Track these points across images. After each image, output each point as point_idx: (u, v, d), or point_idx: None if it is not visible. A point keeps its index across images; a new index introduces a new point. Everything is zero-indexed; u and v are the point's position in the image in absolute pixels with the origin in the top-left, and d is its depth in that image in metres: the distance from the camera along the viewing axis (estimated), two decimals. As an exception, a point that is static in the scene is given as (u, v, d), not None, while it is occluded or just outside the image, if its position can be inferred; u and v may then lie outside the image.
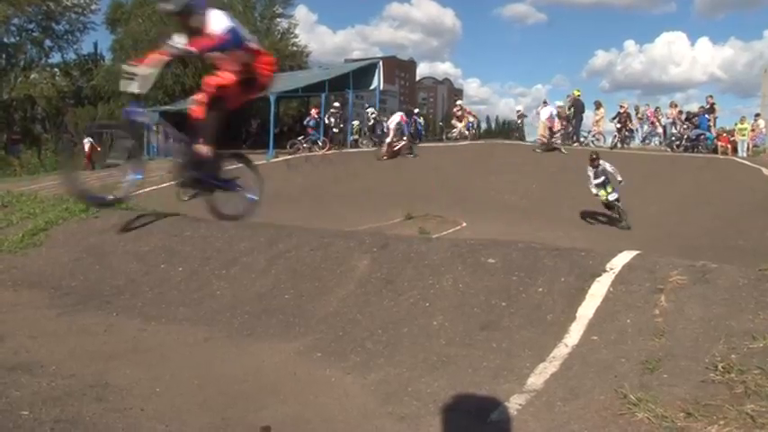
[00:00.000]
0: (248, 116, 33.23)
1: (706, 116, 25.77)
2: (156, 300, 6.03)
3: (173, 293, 6.13)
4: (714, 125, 26.27)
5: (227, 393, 4.03)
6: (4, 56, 47.05)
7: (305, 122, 25.55)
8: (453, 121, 30.18)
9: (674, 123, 27.13)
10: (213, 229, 7.35)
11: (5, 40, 46.83)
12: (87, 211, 8.41)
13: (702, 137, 25.23)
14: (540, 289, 5.18)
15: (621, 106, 26.87)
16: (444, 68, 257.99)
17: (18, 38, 47.30)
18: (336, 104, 27.57)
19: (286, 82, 32.18)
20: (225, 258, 6.58)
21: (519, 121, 30.75)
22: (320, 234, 6.90)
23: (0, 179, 28.62)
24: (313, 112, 26.08)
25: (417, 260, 5.90)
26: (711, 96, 27.00)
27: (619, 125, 26.51)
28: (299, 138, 25.20)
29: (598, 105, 28.39)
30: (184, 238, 7.25)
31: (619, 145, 26.00)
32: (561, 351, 4.36)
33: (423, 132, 29.72)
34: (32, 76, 48.04)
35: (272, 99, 26.99)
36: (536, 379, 4.06)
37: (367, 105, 28.54)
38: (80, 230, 8.06)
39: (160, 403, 3.87)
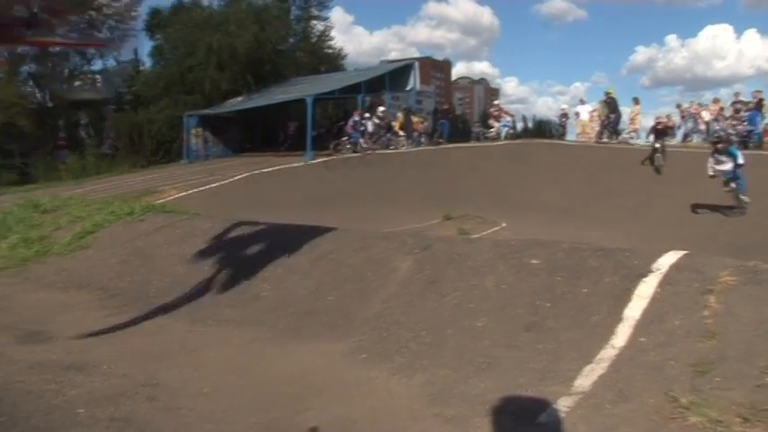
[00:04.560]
0: (286, 119, 33.47)
1: (757, 112, 25.00)
2: (201, 301, 6.12)
3: (217, 295, 6.22)
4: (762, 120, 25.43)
5: (274, 394, 4.06)
6: (49, 65, 48.18)
7: (349, 123, 25.51)
8: (490, 121, 29.92)
9: (716, 120, 26.46)
10: (257, 232, 7.43)
11: (50, 49, 47.94)
12: (132, 214, 8.57)
13: (750, 133, 24.49)
14: (585, 290, 5.11)
15: (658, 122, 24.88)
16: (482, 68, 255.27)
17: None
18: (382, 108, 27.58)
19: (322, 84, 32.29)
20: (269, 260, 6.64)
21: (563, 120, 30.20)
22: (362, 235, 6.92)
23: (47, 184, 29.23)
24: (355, 114, 26.07)
25: (460, 261, 5.88)
26: (760, 91, 26.17)
27: (653, 137, 24.87)
28: (343, 138, 25.24)
29: (635, 102, 27.76)
30: (227, 239, 7.34)
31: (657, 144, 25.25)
32: (608, 353, 4.29)
33: (444, 132, 29.51)
34: (76, 83, 49.08)
35: (309, 101, 27.02)
36: (583, 381, 4.00)
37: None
38: (126, 233, 8.22)
39: (209, 403, 3.91)
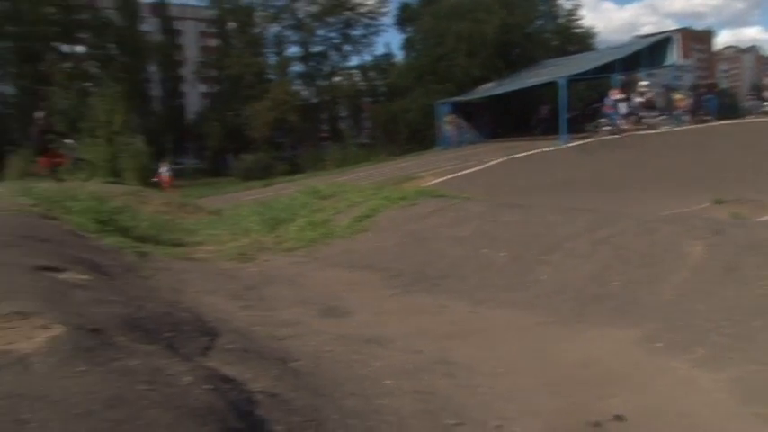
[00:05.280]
0: (537, 103, 33.11)
1: None
2: (480, 283, 6.21)
3: (496, 278, 6.27)
4: None
5: (569, 378, 3.99)
6: (312, 64, 52.63)
7: (607, 103, 24.51)
8: (766, 93, 26.88)
9: None
10: (530, 215, 7.40)
11: (311, 50, 52.40)
12: (405, 199, 8.97)
13: None
14: None
15: None
16: (751, 34, 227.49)
17: (323, 47, 52.64)
18: (645, 83, 26.20)
19: (574, 65, 31.32)
20: (545, 243, 6.57)
21: None
22: (644, 219, 6.59)
23: (314, 173, 31.86)
24: (613, 93, 24.97)
25: (761, 247, 5.35)
26: None
27: None
28: (600, 120, 24.40)
29: None
30: (502, 223, 7.39)
31: None
32: None
33: (711, 109, 26.95)
34: (336, 79, 53.11)
35: (563, 83, 26.32)
36: None
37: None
38: (401, 217, 8.63)
39: (506, 383, 3.95)
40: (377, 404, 3.49)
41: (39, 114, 17.23)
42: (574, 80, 29.29)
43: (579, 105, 32.26)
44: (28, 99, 45.66)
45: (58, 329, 3.23)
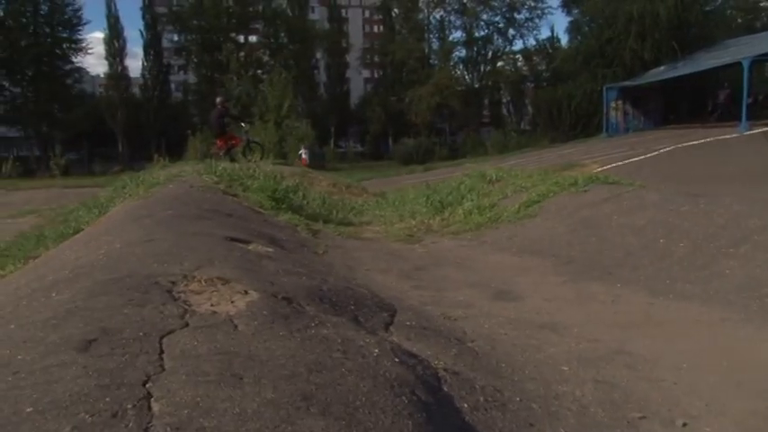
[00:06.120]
0: (714, 86, 30.78)
1: None
2: (658, 274, 5.93)
3: (675, 269, 5.95)
4: None
5: (763, 380, 3.71)
6: (474, 48, 52.51)
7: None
8: None
9: None
10: (714, 205, 6.94)
11: (476, 34, 52.26)
12: (576, 185, 8.73)
13: None
14: None
15: None
16: None
17: (486, 31, 52.36)
18: None
19: (761, 44, 28.59)
20: (732, 236, 6.13)
21: None
22: None
23: (474, 159, 31.78)
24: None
25: None
26: None
27: None
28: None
29: None
30: (682, 213, 6.99)
31: None
32: None
33: None
34: (498, 64, 52.71)
35: (746, 64, 24.11)
36: None
37: None
38: (571, 203, 8.41)
39: (690, 379, 3.74)
40: (557, 390, 3.45)
41: (217, 100, 18.51)
42: (760, 61, 26.83)
43: (764, 89, 29.64)
44: (207, 86, 49.34)
45: (255, 295, 3.47)
